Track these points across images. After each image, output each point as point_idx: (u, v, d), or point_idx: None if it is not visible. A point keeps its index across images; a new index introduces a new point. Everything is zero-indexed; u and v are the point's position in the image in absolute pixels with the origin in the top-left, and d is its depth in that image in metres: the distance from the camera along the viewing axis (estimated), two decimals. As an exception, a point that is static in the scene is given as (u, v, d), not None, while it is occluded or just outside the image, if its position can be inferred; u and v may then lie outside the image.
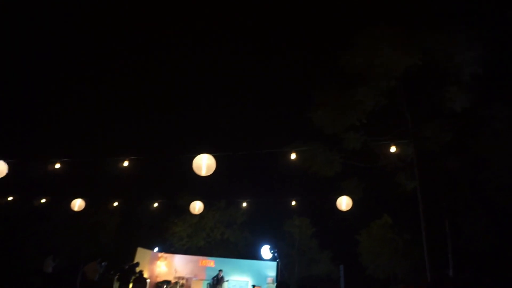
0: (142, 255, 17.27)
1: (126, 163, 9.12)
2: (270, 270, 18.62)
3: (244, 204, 13.86)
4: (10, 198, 15.13)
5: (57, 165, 9.57)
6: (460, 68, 10.24)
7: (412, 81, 11.83)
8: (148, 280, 16.74)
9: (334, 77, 12.61)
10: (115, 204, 15.11)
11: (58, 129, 22.92)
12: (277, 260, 18.11)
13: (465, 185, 13.63)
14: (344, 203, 9.84)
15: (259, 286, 17.57)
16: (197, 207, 11.35)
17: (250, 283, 17.96)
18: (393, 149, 7.83)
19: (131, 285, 15.07)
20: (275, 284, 16.46)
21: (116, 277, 15.75)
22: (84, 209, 13.03)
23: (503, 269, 13.81)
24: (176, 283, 18.03)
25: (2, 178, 9.07)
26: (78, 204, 12.54)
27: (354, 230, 20.01)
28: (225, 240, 23.22)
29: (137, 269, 15.27)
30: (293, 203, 13.01)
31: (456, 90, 10.26)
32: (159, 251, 20.63)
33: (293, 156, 8.25)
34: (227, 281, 18.14)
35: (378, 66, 10.84)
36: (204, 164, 6.92)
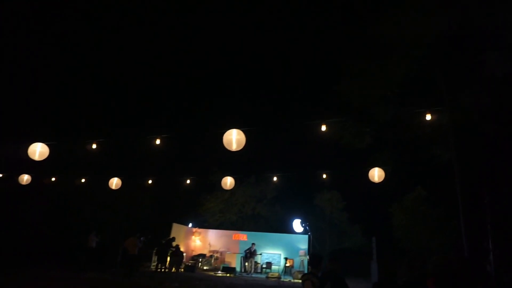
0: (177, 231, 17.92)
1: (158, 141, 9.31)
2: (301, 243, 18.84)
3: (275, 179, 13.89)
4: (53, 179, 15.91)
5: (94, 146, 9.91)
6: (501, 30, 9.52)
7: (447, 47, 11.18)
8: (184, 254, 17.39)
9: (363, 47, 12.15)
10: (150, 181, 15.56)
11: (94, 111, 23.64)
12: (309, 233, 18.25)
13: (505, 155, 12.99)
14: (376, 174, 9.67)
15: (292, 259, 17.86)
16: (228, 182, 11.52)
17: (283, 255, 18.28)
18: (427, 117, 7.50)
19: (168, 258, 15.74)
20: (307, 256, 16.67)
21: (154, 251, 16.49)
22: (121, 187, 13.51)
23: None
24: (211, 256, 18.65)
25: (44, 160, 9.49)
26: (115, 182, 13.03)
27: (386, 204, 19.75)
28: (256, 215, 23.57)
29: (174, 244, 15.88)
30: (324, 176, 12.89)
31: (497, 54, 9.59)
32: (193, 226, 21.29)
33: (323, 128, 8.09)
34: (260, 254, 18.55)
35: (409, 33, 10.29)
36: (234, 139, 6.96)
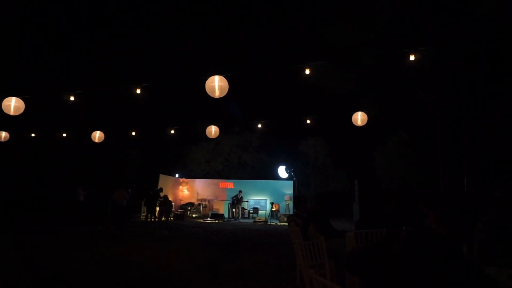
0: (164, 181, 18.10)
1: (138, 91, 9.03)
2: (287, 188, 19.39)
3: (259, 126, 13.85)
4: (33, 135, 15.52)
5: (72, 98, 9.56)
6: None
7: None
8: (172, 204, 17.75)
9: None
10: (133, 133, 15.34)
11: (68, 63, 22.53)
12: (294, 179, 18.71)
13: (487, 98, 13.19)
14: (359, 118, 9.73)
15: (277, 204, 18.45)
16: (213, 131, 11.44)
17: (269, 201, 18.85)
18: (411, 57, 7.41)
19: (157, 208, 16.04)
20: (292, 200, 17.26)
21: (143, 202, 16.73)
22: (105, 140, 13.30)
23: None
24: (199, 204, 19.11)
25: (21, 114, 9.15)
26: (97, 136, 12.78)
27: (369, 148, 20.20)
28: (242, 163, 23.91)
29: (161, 194, 16.11)
30: (308, 121, 12.92)
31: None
32: (180, 177, 21.53)
33: (307, 71, 7.93)
34: (247, 200, 19.08)
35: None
36: (216, 85, 6.78)
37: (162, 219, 15.85)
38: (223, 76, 7.06)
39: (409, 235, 1.95)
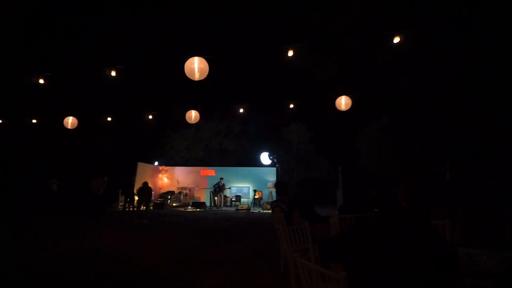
0: (143, 170, 17.85)
1: (113, 73, 8.75)
2: (270, 175, 19.47)
3: (241, 111, 13.75)
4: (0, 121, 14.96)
5: (41, 81, 9.18)
6: None
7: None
8: (152, 193, 17.53)
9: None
10: (109, 119, 14.96)
11: (36, 43, 21.58)
12: (276, 165, 18.80)
13: (463, 82, 13.47)
14: (343, 102, 9.77)
15: (260, 191, 18.52)
16: (193, 116, 11.29)
17: (251, 188, 18.90)
18: (395, 40, 7.43)
19: (136, 197, 15.81)
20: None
21: (120, 191, 16.47)
22: (79, 127, 12.95)
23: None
24: (179, 193, 18.96)
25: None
26: (70, 122, 12.41)
27: (352, 133, 20.41)
28: (224, 150, 23.80)
29: (135, 180, 15.87)
30: (291, 106, 12.91)
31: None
32: (160, 164, 21.28)
33: (290, 53, 7.84)
34: (229, 188, 19.07)
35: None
36: (196, 67, 6.64)
37: (142, 208, 15.67)
38: (203, 58, 6.92)
39: (381, 215, 1.98)
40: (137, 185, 15.09)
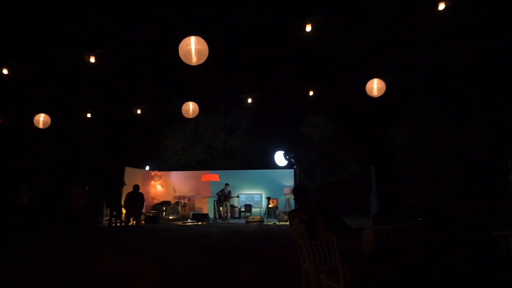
0: (131, 176, 17.96)
1: (93, 60, 8.80)
2: (286, 179, 19.45)
3: (249, 101, 13.69)
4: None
5: (4, 71, 9.29)
6: None
7: None
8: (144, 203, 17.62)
9: None
10: (89, 115, 15.07)
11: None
12: (294, 166, 18.74)
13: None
14: (375, 87, 9.67)
15: (275, 199, 18.51)
16: (190, 108, 11.31)
17: (264, 195, 18.90)
18: (440, 6, 7.28)
19: (124, 210, 15.87)
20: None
21: (105, 203, 16.57)
22: (52, 125, 13.08)
23: None
24: (177, 203, 19.05)
25: None
26: (42, 120, 12.53)
27: (386, 126, 20.26)
28: (229, 150, 23.87)
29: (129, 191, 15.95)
30: (310, 94, 12.81)
31: None
32: (152, 169, 21.44)
33: (307, 29, 7.77)
34: (237, 196, 19.10)
35: None
36: (193, 49, 6.64)
37: (131, 223, 15.77)
38: (201, 37, 6.93)
39: (426, 227, 1.95)
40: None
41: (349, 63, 17.05)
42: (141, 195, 12.91)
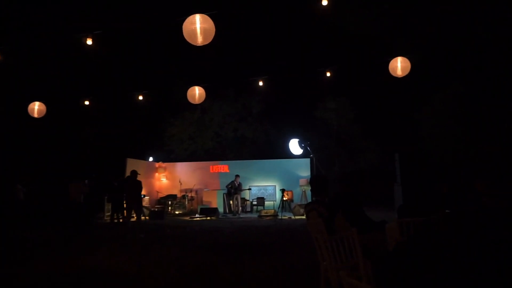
0: (134, 168, 18.04)
1: (90, 42, 8.83)
2: (302, 169, 19.45)
3: (260, 84, 13.64)
4: None
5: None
6: None
7: None
8: (147, 197, 17.78)
9: None
10: (87, 103, 15.15)
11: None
12: (311, 155, 18.69)
13: None
14: (399, 66, 9.58)
15: (290, 191, 18.52)
16: (196, 93, 11.32)
17: (278, 187, 18.92)
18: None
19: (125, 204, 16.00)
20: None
21: (106, 197, 16.74)
22: (48, 115, 13.20)
23: None
24: (183, 196, 19.17)
25: None
26: (36, 108, 12.65)
27: (411, 108, 20.06)
28: (240, 138, 23.88)
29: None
30: (327, 75, 12.72)
31: None
32: (156, 160, 21.56)
33: (324, 1, 7.70)
34: (249, 188, 19.14)
35: None
36: (198, 28, 6.63)
37: (132, 218, 15.91)
38: (207, 15, 6.90)
39: (455, 219, 1.93)
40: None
41: (370, 40, 16.90)
42: (139, 183, 12.49)
